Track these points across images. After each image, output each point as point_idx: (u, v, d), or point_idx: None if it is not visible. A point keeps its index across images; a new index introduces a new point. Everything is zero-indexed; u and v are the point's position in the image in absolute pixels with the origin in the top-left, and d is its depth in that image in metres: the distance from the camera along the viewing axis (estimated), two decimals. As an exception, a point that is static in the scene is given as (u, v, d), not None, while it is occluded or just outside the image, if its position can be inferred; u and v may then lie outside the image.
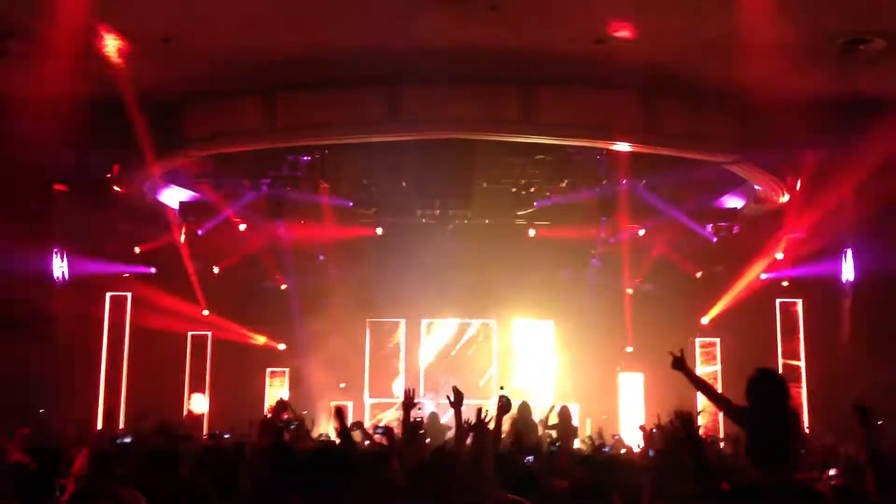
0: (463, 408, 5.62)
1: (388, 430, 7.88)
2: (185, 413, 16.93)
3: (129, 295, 16.51)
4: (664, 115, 12.85)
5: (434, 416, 14.54)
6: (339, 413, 8.22)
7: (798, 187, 14.31)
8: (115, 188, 14.41)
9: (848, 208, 14.69)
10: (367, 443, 8.45)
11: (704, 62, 11.65)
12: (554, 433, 13.14)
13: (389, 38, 10.88)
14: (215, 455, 6.61)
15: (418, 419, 6.54)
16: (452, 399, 5.63)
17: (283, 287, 17.95)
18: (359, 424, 9.07)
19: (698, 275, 17.43)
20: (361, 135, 13.00)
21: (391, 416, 16.97)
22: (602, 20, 10.50)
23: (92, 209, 14.75)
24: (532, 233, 17.07)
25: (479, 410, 5.41)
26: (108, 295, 16.47)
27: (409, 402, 6.16)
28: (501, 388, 14.61)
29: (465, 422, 5.51)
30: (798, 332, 16.52)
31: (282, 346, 18.01)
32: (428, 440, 9.04)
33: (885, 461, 4.19)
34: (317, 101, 12.43)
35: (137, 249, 16.48)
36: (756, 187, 14.74)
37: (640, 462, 8.16)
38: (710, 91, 12.57)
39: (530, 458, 7.81)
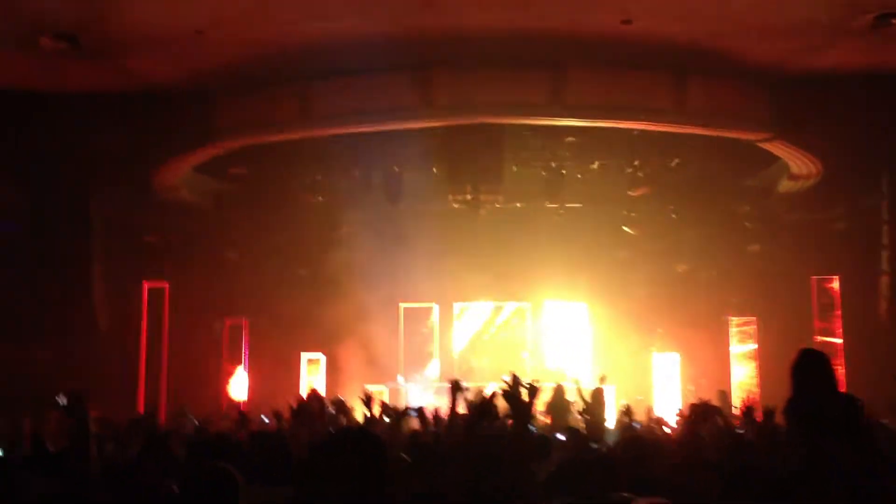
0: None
1: (420, 412, 7.93)
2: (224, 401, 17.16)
3: (167, 286, 16.64)
4: (695, 94, 12.77)
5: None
6: (368, 399, 8.36)
7: (834, 164, 14.14)
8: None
9: (884, 184, 14.52)
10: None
11: (736, 39, 11.55)
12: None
13: (419, 24, 10.90)
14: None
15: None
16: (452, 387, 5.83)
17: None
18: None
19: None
20: (394, 122, 13.04)
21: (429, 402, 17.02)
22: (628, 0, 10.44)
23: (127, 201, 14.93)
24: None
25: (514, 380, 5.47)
26: (145, 286, 16.62)
27: (456, 387, 6.20)
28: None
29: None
30: (836, 310, 16.33)
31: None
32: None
33: None
34: (349, 90, 12.47)
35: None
36: (790, 165, 14.60)
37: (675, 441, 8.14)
38: (741, 68, 12.47)
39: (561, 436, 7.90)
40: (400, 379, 18.35)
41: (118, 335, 15.56)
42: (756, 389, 16.38)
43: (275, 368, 17.39)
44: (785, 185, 15.62)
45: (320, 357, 17.97)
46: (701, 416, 8.62)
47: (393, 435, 7.29)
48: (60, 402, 5.61)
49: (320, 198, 16.01)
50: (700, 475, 4.89)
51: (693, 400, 9.90)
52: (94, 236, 14.96)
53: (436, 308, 19.23)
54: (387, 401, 13.42)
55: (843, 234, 15.68)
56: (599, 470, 4.51)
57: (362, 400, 8.41)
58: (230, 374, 17.65)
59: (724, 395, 14.76)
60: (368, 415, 8.53)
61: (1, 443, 7.46)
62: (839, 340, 15.99)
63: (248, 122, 13.03)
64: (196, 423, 12.04)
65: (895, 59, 12.04)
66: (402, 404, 14.88)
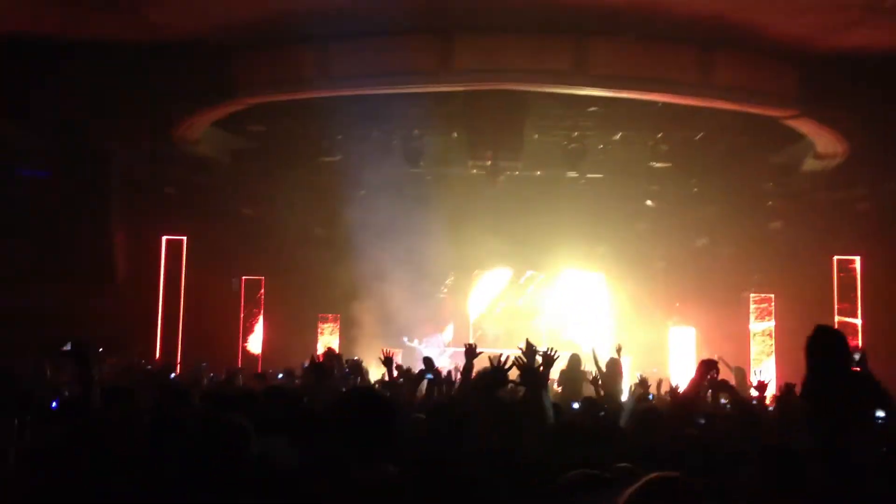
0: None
1: (436, 376, 7.91)
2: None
3: (185, 239, 16.71)
4: (721, 68, 12.56)
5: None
6: (388, 361, 8.35)
7: (860, 144, 13.96)
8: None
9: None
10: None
11: (764, 13, 11.36)
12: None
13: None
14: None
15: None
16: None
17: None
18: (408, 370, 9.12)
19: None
20: (413, 85, 12.95)
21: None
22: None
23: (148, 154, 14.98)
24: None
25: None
26: (164, 239, 16.69)
27: (472, 352, 6.27)
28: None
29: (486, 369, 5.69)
30: (856, 290, 16.19)
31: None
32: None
33: None
34: (369, 50, 12.37)
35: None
36: (816, 143, 14.43)
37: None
38: (769, 44, 12.27)
39: (575, 405, 7.94)
40: (414, 341, 18.42)
41: (136, 286, 15.68)
42: (773, 367, 16.35)
43: (290, 325, 17.57)
44: (810, 164, 15.42)
45: (336, 316, 18.11)
46: (707, 371, 8.46)
47: (410, 398, 7.34)
48: (67, 350, 5.67)
49: (339, 157, 15.92)
50: (712, 450, 4.90)
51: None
52: (114, 187, 15.00)
53: (453, 273, 19.26)
54: (400, 362, 13.49)
55: (866, 215, 15.53)
56: (609, 441, 4.53)
57: (382, 361, 8.42)
58: (250, 330, 17.82)
59: (742, 372, 14.72)
60: (387, 377, 8.55)
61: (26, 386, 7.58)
62: (859, 321, 15.90)
63: (267, 79, 12.96)
64: (211, 375, 12.20)
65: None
66: (416, 367, 14.94)
